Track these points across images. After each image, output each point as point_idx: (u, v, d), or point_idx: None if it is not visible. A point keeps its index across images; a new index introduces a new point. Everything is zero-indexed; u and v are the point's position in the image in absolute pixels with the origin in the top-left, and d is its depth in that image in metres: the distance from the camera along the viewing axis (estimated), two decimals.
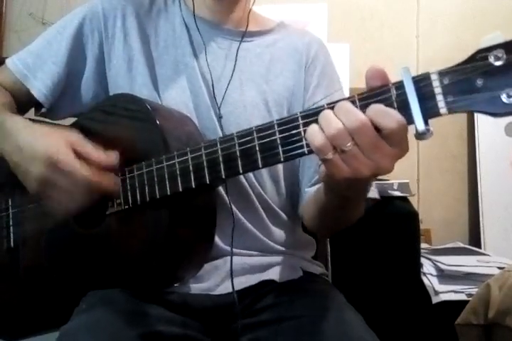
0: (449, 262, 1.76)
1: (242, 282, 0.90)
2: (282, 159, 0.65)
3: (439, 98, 0.56)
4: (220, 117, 0.93)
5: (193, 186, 0.73)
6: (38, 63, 0.97)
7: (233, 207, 0.91)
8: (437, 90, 0.56)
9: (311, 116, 0.63)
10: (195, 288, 0.88)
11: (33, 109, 1.02)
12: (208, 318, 0.86)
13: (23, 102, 0.98)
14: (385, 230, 1.70)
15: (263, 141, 0.66)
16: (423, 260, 1.81)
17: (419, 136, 0.58)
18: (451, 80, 0.56)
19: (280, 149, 0.65)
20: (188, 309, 0.85)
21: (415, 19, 2.34)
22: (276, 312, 0.85)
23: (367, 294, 1.60)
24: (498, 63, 0.54)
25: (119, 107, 0.88)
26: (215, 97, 0.94)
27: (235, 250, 0.89)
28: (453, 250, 1.98)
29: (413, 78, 0.58)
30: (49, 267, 0.90)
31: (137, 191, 0.79)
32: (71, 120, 0.98)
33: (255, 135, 0.67)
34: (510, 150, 2.10)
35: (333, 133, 0.59)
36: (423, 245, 1.91)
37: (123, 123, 0.87)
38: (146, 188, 0.78)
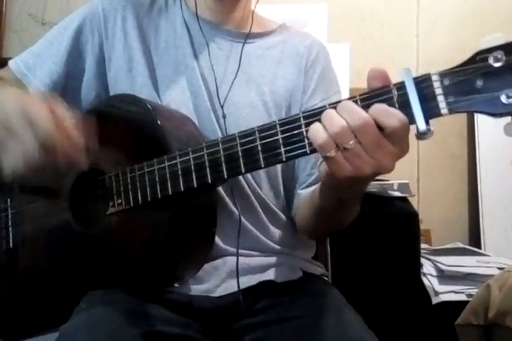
0: (449, 262, 1.76)
1: (242, 282, 0.89)
2: (284, 159, 0.65)
3: (440, 98, 0.57)
4: (224, 117, 0.93)
5: (195, 186, 0.73)
6: (38, 63, 0.98)
7: (233, 207, 0.91)
8: (438, 91, 0.57)
9: (313, 116, 0.63)
10: (195, 289, 0.88)
11: None
12: (208, 319, 0.86)
13: None
14: (385, 230, 1.70)
15: (265, 141, 0.67)
16: (423, 260, 1.81)
17: (420, 135, 0.59)
18: (451, 81, 0.57)
19: (282, 149, 0.65)
20: (188, 310, 0.85)
21: (415, 19, 2.34)
22: (276, 313, 0.85)
23: (367, 294, 1.60)
24: (497, 64, 0.55)
25: (119, 107, 0.89)
26: (219, 98, 0.94)
27: (234, 250, 0.89)
28: (453, 250, 1.98)
29: (414, 79, 0.58)
30: (49, 267, 0.90)
31: (138, 191, 0.79)
32: None
33: (257, 135, 0.67)
34: (511, 150, 2.10)
35: (335, 130, 0.60)
36: (423, 245, 1.91)
37: (124, 124, 0.87)
38: (148, 188, 0.78)
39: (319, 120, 0.62)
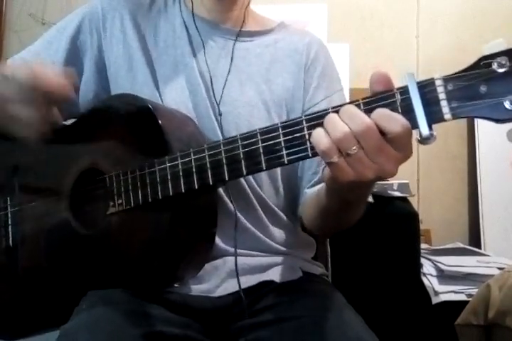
0: (449, 262, 1.76)
1: (242, 282, 0.89)
2: (286, 162, 0.65)
3: (444, 104, 0.57)
4: (220, 114, 0.93)
5: (196, 187, 0.73)
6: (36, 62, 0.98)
7: (233, 207, 0.91)
8: (442, 96, 0.57)
9: (316, 119, 0.63)
10: (195, 289, 0.88)
11: None
12: (208, 319, 0.86)
13: None
14: (385, 230, 1.70)
15: (267, 143, 0.67)
16: (423, 260, 1.81)
17: (423, 140, 0.59)
18: (455, 86, 0.57)
19: (284, 152, 0.65)
20: (188, 310, 0.85)
21: (415, 19, 2.34)
22: (276, 313, 0.85)
23: (367, 294, 1.60)
24: (501, 70, 0.55)
25: (120, 107, 0.88)
26: (214, 96, 0.94)
27: (234, 250, 0.89)
28: (453, 250, 1.98)
29: (418, 83, 0.58)
30: (48, 267, 0.90)
31: (139, 191, 0.79)
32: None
33: (259, 137, 0.67)
34: (510, 150, 2.10)
35: (338, 136, 0.59)
36: (423, 245, 1.91)
37: (124, 123, 0.87)
38: (149, 188, 0.78)
39: (321, 124, 0.62)
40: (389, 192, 1.77)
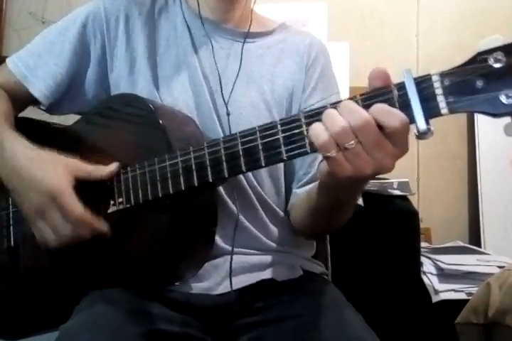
0: (449, 261, 1.76)
1: (242, 281, 0.90)
2: (285, 158, 0.66)
3: (440, 99, 0.57)
4: (228, 114, 0.93)
5: (196, 185, 0.74)
6: (39, 64, 0.97)
7: (233, 206, 0.91)
8: (438, 91, 0.57)
9: (314, 115, 0.64)
10: (196, 287, 0.88)
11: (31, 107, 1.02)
12: (209, 317, 0.87)
13: (22, 101, 0.98)
14: (385, 229, 1.70)
15: (266, 140, 0.67)
16: (423, 259, 1.81)
17: (421, 135, 0.59)
18: (452, 81, 0.57)
19: (283, 148, 0.65)
20: (188, 308, 0.85)
21: (415, 18, 2.34)
22: (276, 311, 0.86)
23: (367, 293, 1.60)
24: (497, 65, 0.55)
25: (122, 107, 0.88)
26: (223, 96, 0.94)
27: (235, 249, 0.89)
28: (453, 249, 1.98)
29: (415, 79, 0.59)
30: (49, 266, 0.90)
31: (139, 190, 0.79)
32: (72, 119, 0.98)
33: (258, 134, 0.68)
34: (510, 149, 2.10)
35: (337, 130, 0.60)
36: (423, 244, 1.91)
37: (125, 123, 0.87)
38: (149, 186, 0.78)
39: (320, 120, 0.62)
40: (389, 190, 1.77)
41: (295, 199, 0.97)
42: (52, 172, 0.80)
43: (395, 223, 1.72)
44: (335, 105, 0.62)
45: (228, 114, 0.93)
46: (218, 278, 0.90)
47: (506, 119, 0.56)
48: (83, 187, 0.88)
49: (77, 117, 0.98)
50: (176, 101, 0.93)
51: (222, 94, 0.94)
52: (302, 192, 0.95)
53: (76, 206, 0.78)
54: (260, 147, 0.67)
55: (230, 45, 1.00)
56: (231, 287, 0.86)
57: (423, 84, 0.58)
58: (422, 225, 1.83)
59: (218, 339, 0.86)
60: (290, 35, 1.06)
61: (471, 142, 2.26)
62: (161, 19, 1.00)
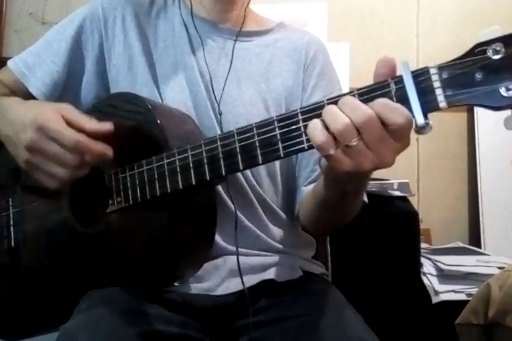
0: (449, 262, 1.76)
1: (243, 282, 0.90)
2: (282, 155, 0.65)
3: (439, 92, 0.56)
4: (220, 113, 0.93)
5: (193, 183, 0.73)
6: (37, 62, 0.98)
7: (233, 206, 0.91)
8: (436, 84, 0.57)
9: (311, 111, 0.63)
10: (196, 287, 0.88)
11: None
12: (208, 318, 0.86)
13: None
14: (385, 230, 1.70)
15: (263, 137, 0.66)
16: (423, 260, 1.81)
17: (419, 130, 0.58)
18: (450, 74, 0.56)
19: (280, 145, 0.65)
20: (187, 309, 0.85)
21: (415, 18, 2.34)
22: (277, 312, 0.85)
23: (367, 294, 1.60)
24: (496, 57, 0.54)
25: (119, 106, 0.88)
26: (214, 96, 0.94)
27: (234, 249, 0.89)
28: (453, 250, 1.98)
29: (412, 72, 0.58)
30: (49, 266, 0.90)
31: (137, 188, 0.79)
32: None
33: (255, 131, 0.67)
34: (510, 150, 2.10)
35: (340, 128, 0.59)
36: (423, 245, 1.91)
37: (123, 122, 0.87)
38: (147, 186, 0.78)
39: (317, 115, 0.61)
40: (389, 191, 1.77)
41: (302, 197, 0.97)
42: (42, 110, 0.78)
43: (395, 224, 1.72)
44: (333, 100, 0.61)
45: (220, 113, 0.93)
46: (218, 279, 0.90)
47: (505, 114, 0.55)
48: (82, 187, 0.88)
49: None
50: (173, 101, 0.93)
51: (213, 93, 0.94)
52: (309, 189, 0.95)
53: (68, 131, 0.74)
54: (257, 144, 0.67)
55: (226, 44, 1.00)
56: (243, 284, 0.86)
57: (421, 77, 0.57)
58: (422, 226, 1.83)
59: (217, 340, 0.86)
60: (288, 34, 1.06)
61: (471, 142, 2.26)
62: (159, 19, 1.01)
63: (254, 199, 0.95)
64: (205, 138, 0.74)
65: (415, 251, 1.74)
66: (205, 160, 0.72)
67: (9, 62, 1.00)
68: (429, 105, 0.57)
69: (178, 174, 0.75)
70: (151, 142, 0.81)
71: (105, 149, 0.76)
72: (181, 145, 0.76)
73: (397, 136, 0.59)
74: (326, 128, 0.60)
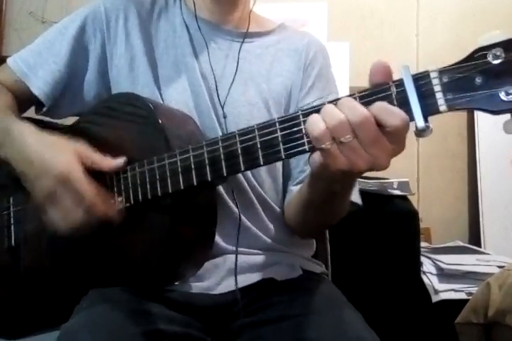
0: (448, 261, 1.76)
1: (242, 280, 0.90)
2: (283, 156, 0.65)
3: (439, 95, 0.57)
4: (224, 117, 0.93)
5: (195, 183, 0.74)
6: (39, 62, 0.98)
7: (233, 206, 0.91)
8: (437, 88, 0.57)
9: (313, 113, 0.63)
10: (196, 286, 0.88)
11: (32, 109, 1.02)
12: (209, 317, 0.86)
13: (23, 101, 0.98)
14: (385, 229, 1.71)
15: (264, 138, 0.67)
16: (423, 259, 1.81)
17: (419, 132, 0.58)
18: (450, 78, 0.57)
19: (281, 147, 0.65)
20: (188, 308, 0.85)
21: (415, 17, 2.34)
22: (276, 311, 0.85)
23: (367, 293, 1.60)
24: (496, 61, 0.55)
25: (121, 106, 0.88)
26: (218, 97, 0.94)
27: (234, 248, 0.90)
28: (453, 249, 1.98)
29: (413, 76, 0.59)
30: (50, 265, 0.90)
31: (139, 189, 0.79)
32: (72, 119, 0.98)
33: (256, 133, 0.67)
34: (510, 149, 2.10)
35: (334, 123, 0.59)
36: (423, 244, 1.91)
37: (125, 122, 0.87)
38: (148, 186, 0.78)
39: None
40: (389, 190, 1.77)
41: (289, 197, 0.98)
42: (63, 155, 0.79)
43: (395, 223, 1.72)
44: (334, 102, 0.62)
45: (225, 117, 0.93)
46: (218, 277, 0.90)
47: (505, 117, 0.56)
48: None
49: (76, 117, 0.98)
50: (175, 102, 0.93)
51: (218, 95, 0.94)
52: (296, 189, 0.95)
53: (88, 189, 0.77)
54: (259, 145, 0.67)
55: (228, 46, 1.00)
56: (236, 285, 0.86)
57: (421, 80, 0.58)
58: (421, 225, 1.83)
59: (218, 339, 0.86)
60: (289, 35, 1.07)
61: (471, 142, 2.26)
62: (160, 20, 1.01)
63: (255, 199, 0.95)
64: (207, 140, 0.74)
65: (415, 250, 1.74)
66: (207, 161, 0.72)
67: (9, 61, 1.00)
68: (429, 108, 0.58)
69: (180, 174, 0.75)
70: (153, 142, 0.81)
71: (115, 215, 0.79)
72: (182, 145, 0.76)
73: (393, 139, 0.59)
74: (324, 122, 0.60)
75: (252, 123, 0.69)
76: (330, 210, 0.86)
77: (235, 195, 0.92)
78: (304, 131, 0.63)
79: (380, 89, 0.60)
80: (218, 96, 0.94)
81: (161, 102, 0.93)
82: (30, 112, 1.02)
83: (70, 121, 0.98)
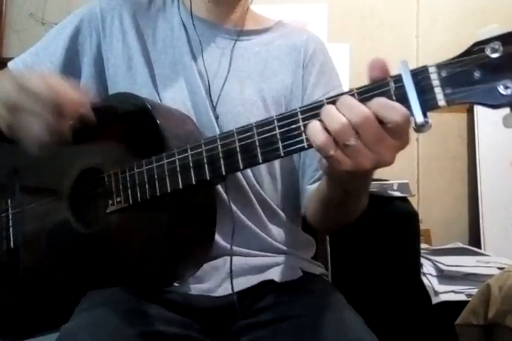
0: (448, 262, 1.76)
1: (242, 283, 0.89)
2: (282, 154, 0.65)
3: (438, 90, 0.57)
4: (216, 117, 0.93)
5: (194, 183, 0.73)
6: (36, 62, 0.99)
7: (232, 205, 0.91)
8: (435, 83, 0.57)
9: (310, 110, 0.63)
10: (196, 288, 0.88)
11: None
12: (208, 319, 0.86)
13: None
14: (385, 230, 1.70)
15: (263, 136, 0.66)
16: (423, 260, 1.81)
17: (418, 128, 0.58)
18: (449, 73, 0.56)
19: (280, 144, 0.65)
20: (188, 309, 0.85)
21: (415, 17, 2.34)
22: (276, 313, 0.85)
23: (367, 294, 1.60)
24: (494, 55, 0.54)
25: (118, 106, 0.88)
26: (210, 96, 0.94)
27: (235, 248, 0.89)
28: (453, 250, 1.98)
29: (411, 71, 0.58)
30: (49, 267, 0.90)
31: (137, 189, 0.79)
32: None
33: (255, 130, 0.67)
34: (510, 150, 2.10)
35: (336, 128, 0.59)
36: (423, 245, 1.91)
37: (123, 122, 0.87)
38: (147, 186, 0.78)
39: (317, 115, 0.61)
40: (389, 192, 1.77)
41: (308, 195, 0.97)
42: (19, 73, 0.79)
43: (395, 224, 1.72)
44: (332, 100, 0.61)
45: (217, 117, 0.93)
46: (218, 279, 0.90)
47: (504, 113, 0.55)
48: (82, 188, 0.88)
49: None
50: (173, 101, 0.93)
51: (210, 94, 0.94)
52: (313, 187, 0.95)
53: (43, 85, 0.74)
54: (257, 143, 0.67)
55: (226, 44, 1.00)
56: (232, 289, 0.86)
57: (420, 75, 0.58)
58: (421, 226, 1.83)
59: None
60: (287, 32, 1.06)
61: (471, 143, 2.26)
62: (158, 20, 1.01)
63: (254, 199, 0.95)
64: (204, 138, 0.74)
65: (415, 252, 1.74)
66: (205, 160, 0.72)
67: (10, 64, 1.01)
68: (428, 103, 0.57)
69: (178, 174, 0.75)
70: (151, 142, 0.81)
71: (82, 99, 0.77)
72: (181, 145, 0.76)
73: (396, 134, 0.59)
74: (326, 129, 0.60)
75: (251, 122, 0.69)
76: (346, 209, 0.85)
77: (233, 195, 0.91)
78: (302, 129, 0.63)
79: (378, 84, 0.60)
80: (210, 96, 0.94)
81: (159, 101, 0.93)
82: None
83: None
